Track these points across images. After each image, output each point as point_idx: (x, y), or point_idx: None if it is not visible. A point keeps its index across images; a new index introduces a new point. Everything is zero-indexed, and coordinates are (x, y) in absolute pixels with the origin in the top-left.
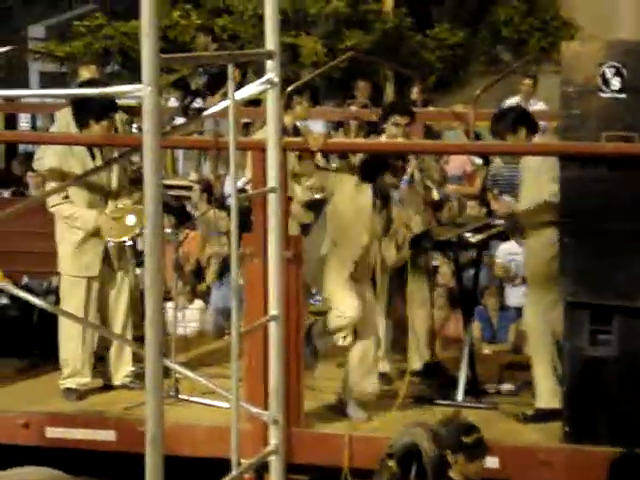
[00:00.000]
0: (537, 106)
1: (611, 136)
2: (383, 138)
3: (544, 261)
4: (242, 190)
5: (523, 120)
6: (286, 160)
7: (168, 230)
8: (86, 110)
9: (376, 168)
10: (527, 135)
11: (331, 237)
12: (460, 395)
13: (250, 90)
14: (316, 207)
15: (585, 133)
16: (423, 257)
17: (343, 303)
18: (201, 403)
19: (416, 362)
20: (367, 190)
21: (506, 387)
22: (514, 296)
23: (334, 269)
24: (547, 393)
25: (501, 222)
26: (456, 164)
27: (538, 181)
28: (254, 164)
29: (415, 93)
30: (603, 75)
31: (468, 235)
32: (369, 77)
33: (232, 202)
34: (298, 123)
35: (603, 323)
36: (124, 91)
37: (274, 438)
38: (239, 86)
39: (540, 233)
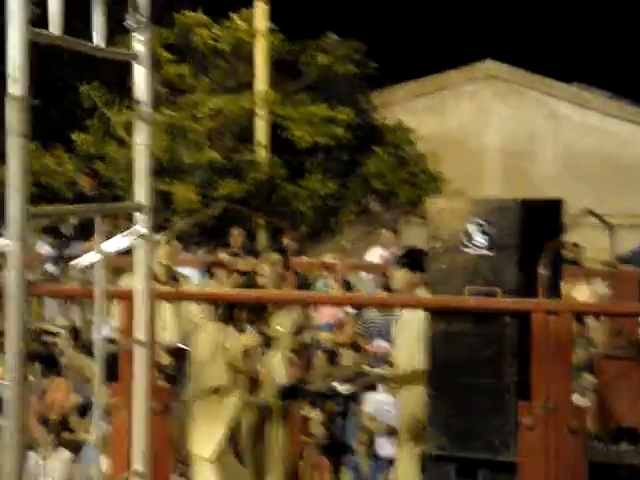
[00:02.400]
0: None
1: (474, 291)
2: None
3: (416, 415)
4: (112, 338)
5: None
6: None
7: (33, 379)
8: None
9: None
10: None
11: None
12: None
13: (120, 242)
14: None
15: (450, 287)
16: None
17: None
18: None
19: None
20: (234, 336)
21: None
22: (385, 446)
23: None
24: None
25: (372, 371)
26: (328, 312)
27: (412, 335)
28: (122, 313)
29: (285, 242)
30: (467, 231)
31: (338, 385)
32: (242, 225)
33: (96, 353)
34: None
35: (469, 476)
36: None
37: None
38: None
39: (412, 387)
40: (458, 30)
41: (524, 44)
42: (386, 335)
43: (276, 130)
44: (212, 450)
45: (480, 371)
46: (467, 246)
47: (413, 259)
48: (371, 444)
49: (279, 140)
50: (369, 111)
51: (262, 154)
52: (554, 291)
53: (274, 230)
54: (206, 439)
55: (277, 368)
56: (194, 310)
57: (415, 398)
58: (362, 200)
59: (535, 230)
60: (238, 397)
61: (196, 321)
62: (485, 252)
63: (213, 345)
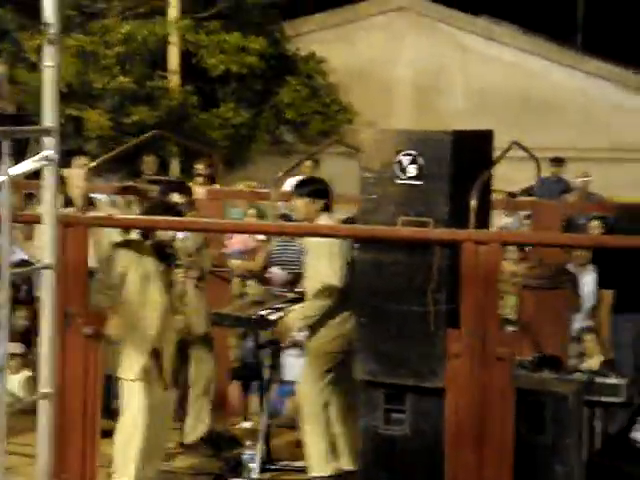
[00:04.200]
0: None
1: (407, 221)
2: None
3: (326, 340)
4: (25, 262)
5: (322, 194)
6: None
7: None
8: None
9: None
10: (321, 210)
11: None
12: (256, 471)
13: (27, 166)
14: None
15: (382, 217)
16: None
17: (130, 407)
18: None
19: (194, 434)
20: (149, 257)
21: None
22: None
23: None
24: (318, 463)
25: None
26: (239, 239)
27: (319, 263)
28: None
29: (201, 169)
30: (400, 162)
31: (268, 313)
32: (155, 152)
33: (3, 277)
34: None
35: (397, 402)
36: None
37: None
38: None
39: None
40: None
41: None
42: (284, 263)
43: (189, 57)
44: (136, 370)
45: (410, 299)
46: (399, 177)
47: (313, 187)
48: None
49: (192, 68)
50: (282, 41)
51: (174, 80)
52: (483, 222)
53: (187, 157)
54: (129, 360)
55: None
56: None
57: (326, 325)
58: (275, 130)
59: (466, 161)
60: (160, 318)
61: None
62: (417, 183)
63: (129, 263)
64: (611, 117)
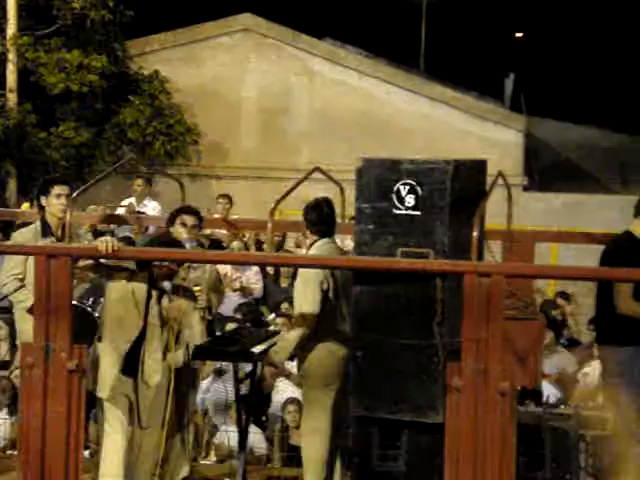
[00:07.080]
0: (150, 206)
1: (406, 252)
2: None
3: (318, 364)
4: None
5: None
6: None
7: None
8: None
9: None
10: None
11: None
12: None
13: None
14: None
15: (380, 249)
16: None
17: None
18: None
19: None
20: (142, 281)
21: None
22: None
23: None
24: None
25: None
26: None
27: (296, 290)
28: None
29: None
30: (397, 192)
31: (250, 346)
32: None
33: None
34: None
35: (392, 438)
36: None
37: None
38: None
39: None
40: None
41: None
42: None
43: (27, 75)
44: (108, 387)
45: (408, 332)
46: (397, 207)
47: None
48: None
49: (30, 86)
50: (125, 60)
51: (11, 99)
52: (481, 253)
53: (24, 178)
54: (103, 379)
55: (195, 327)
56: None
57: (320, 357)
58: (117, 150)
59: (463, 191)
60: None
61: None
62: (416, 213)
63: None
64: (454, 142)
